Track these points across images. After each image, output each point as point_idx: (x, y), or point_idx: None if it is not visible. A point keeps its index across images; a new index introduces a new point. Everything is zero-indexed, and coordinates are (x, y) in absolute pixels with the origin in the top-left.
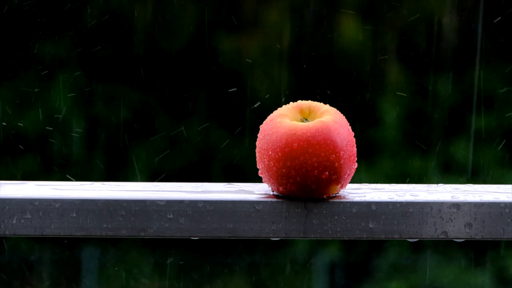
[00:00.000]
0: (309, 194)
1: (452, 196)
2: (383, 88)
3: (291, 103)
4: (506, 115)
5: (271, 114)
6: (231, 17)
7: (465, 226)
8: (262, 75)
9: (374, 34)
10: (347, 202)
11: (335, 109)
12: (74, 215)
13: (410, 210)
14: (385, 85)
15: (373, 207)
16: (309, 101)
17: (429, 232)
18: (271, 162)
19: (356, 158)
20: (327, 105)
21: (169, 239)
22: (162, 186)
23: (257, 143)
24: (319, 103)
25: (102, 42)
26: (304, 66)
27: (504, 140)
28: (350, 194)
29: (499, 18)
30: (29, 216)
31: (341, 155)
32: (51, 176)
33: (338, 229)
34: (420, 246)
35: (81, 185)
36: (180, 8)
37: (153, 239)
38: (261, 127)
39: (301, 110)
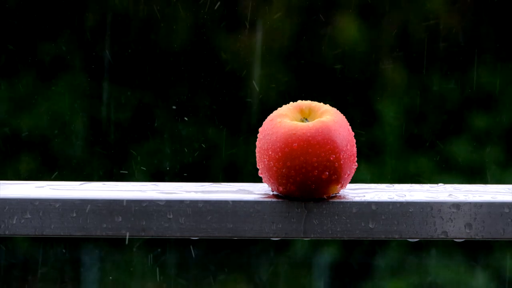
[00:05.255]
0: (309, 194)
1: (452, 196)
2: (383, 87)
3: (291, 103)
4: (506, 114)
5: (271, 114)
6: (231, 17)
7: (465, 226)
8: (261, 75)
9: (374, 33)
10: (347, 202)
11: (335, 109)
12: (74, 215)
13: (410, 210)
14: (385, 85)
15: (373, 207)
16: (309, 101)
17: (429, 232)
18: (271, 162)
19: (356, 158)
20: (327, 105)
21: (169, 238)
22: (162, 186)
23: (257, 143)
24: (319, 103)
25: (102, 42)
26: (304, 66)
27: (504, 140)
28: (350, 194)
29: (499, 17)
30: (29, 216)
31: (341, 155)
32: (51, 176)
33: (338, 229)
34: (420, 246)
35: (81, 185)
36: (180, 7)
37: (153, 239)
38: (261, 127)
39: (301, 110)
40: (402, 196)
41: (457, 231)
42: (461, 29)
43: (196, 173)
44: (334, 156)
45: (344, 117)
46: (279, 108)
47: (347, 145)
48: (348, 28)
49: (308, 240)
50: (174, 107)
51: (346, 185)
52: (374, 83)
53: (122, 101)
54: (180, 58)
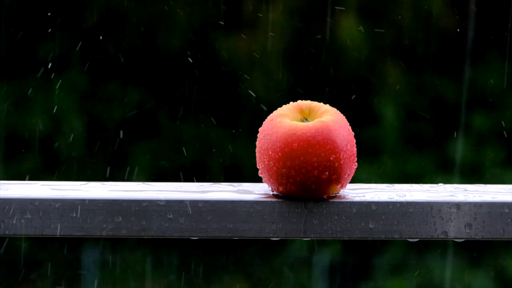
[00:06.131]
0: (309, 194)
1: (452, 196)
2: (382, 87)
3: (291, 103)
4: (506, 114)
5: (271, 114)
6: (231, 17)
7: (465, 226)
8: (261, 75)
9: (373, 34)
10: (347, 202)
11: (335, 109)
12: (74, 215)
13: (410, 210)
14: (385, 85)
15: (373, 207)
16: (309, 101)
17: (429, 232)
18: (271, 162)
19: (356, 158)
20: (327, 105)
21: (169, 239)
22: (162, 186)
23: (257, 143)
24: (319, 103)
25: (102, 42)
26: (304, 65)
27: (504, 140)
28: (350, 194)
29: (497, 17)
30: (29, 216)
31: (341, 155)
32: (51, 176)
33: (338, 229)
34: (420, 246)
35: (81, 185)
36: (180, 7)
37: (153, 239)
38: (261, 127)
39: (301, 110)
40: (402, 196)
41: (457, 231)
42: (461, 29)
43: (196, 173)
44: (334, 156)
45: (344, 117)
46: (279, 108)
47: (347, 145)
48: (348, 28)
49: (308, 240)
50: (174, 106)
51: (346, 185)
52: (374, 83)
53: (122, 101)
54: (180, 58)
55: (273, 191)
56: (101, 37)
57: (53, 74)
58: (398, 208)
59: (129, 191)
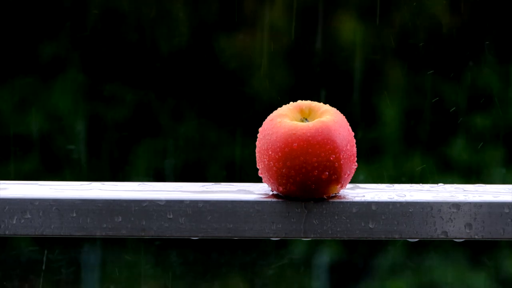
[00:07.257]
0: (309, 194)
1: (452, 196)
2: (383, 87)
3: (291, 103)
4: (506, 114)
5: (271, 114)
6: (231, 17)
7: (465, 226)
8: (261, 75)
9: (373, 33)
10: (347, 202)
11: (335, 109)
12: (74, 215)
13: (410, 210)
14: (385, 85)
15: (373, 207)
16: (309, 101)
17: (429, 232)
18: (271, 162)
19: (356, 158)
20: (327, 105)
21: (169, 239)
22: (162, 186)
23: (257, 143)
24: (319, 103)
25: (102, 42)
26: (304, 65)
27: (504, 140)
28: (350, 194)
29: (499, 17)
30: (29, 216)
31: (341, 155)
32: (51, 176)
33: (338, 229)
34: (420, 246)
35: (81, 185)
36: (180, 7)
37: (153, 239)
38: (261, 127)
39: (301, 110)
40: (402, 196)
41: (457, 231)
42: (461, 29)
43: (196, 173)
44: (334, 156)
45: (344, 117)
46: (279, 108)
47: (347, 145)
48: (348, 28)
49: (308, 240)
50: (174, 106)
51: (346, 185)
52: (374, 83)
53: (122, 100)
54: (180, 58)
55: (273, 191)
56: (101, 37)
57: (53, 74)
58: (398, 208)
59: (129, 191)
